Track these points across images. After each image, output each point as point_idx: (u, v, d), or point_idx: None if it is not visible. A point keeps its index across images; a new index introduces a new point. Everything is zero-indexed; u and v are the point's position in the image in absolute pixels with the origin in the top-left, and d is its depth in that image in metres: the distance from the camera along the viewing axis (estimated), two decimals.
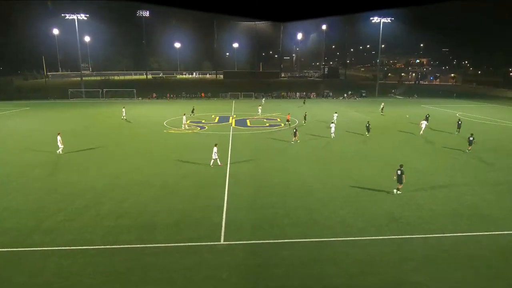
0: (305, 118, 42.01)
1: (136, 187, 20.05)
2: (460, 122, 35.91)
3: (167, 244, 13.76)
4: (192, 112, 47.17)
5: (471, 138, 27.78)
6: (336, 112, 42.10)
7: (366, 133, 35.09)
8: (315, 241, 14.05)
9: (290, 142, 31.12)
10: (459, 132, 35.11)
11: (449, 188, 19.77)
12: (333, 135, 33.36)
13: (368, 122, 35.76)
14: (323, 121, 42.41)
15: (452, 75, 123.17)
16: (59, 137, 26.92)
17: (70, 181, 21.02)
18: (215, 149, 23.51)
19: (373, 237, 14.31)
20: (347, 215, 16.32)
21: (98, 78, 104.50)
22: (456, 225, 15.31)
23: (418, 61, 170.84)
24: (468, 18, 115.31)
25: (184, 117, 39.03)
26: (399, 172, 18.59)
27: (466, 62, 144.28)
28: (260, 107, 50.95)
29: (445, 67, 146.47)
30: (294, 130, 31.79)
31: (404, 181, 18.55)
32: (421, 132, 35.19)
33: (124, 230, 14.87)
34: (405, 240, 14.13)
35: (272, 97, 75.98)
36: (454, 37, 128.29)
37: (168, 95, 72.88)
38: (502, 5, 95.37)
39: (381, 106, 51.95)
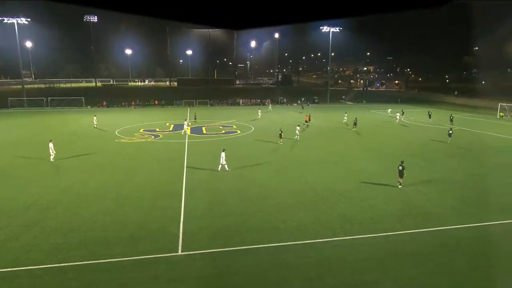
0: (309, 119, 45.84)
1: (86, 200, 19.01)
2: (452, 117, 45.32)
3: (121, 259, 13.16)
4: (195, 119, 49.40)
5: (450, 132, 34.81)
6: (346, 113, 49.51)
7: (353, 127, 41.61)
8: (274, 246, 14.17)
9: (277, 144, 33.31)
10: (452, 124, 42.95)
11: (398, 189, 20.90)
12: (297, 137, 35.10)
13: (356, 118, 43.45)
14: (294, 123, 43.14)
15: (396, 82, 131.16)
16: (51, 144, 26.24)
17: (9, 196, 19.43)
18: (223, 154, 23.68)
19: (329, 239, 14.74)
20: (304, 219, 16.67)
21: (42, 85, 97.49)
22: (404, 224, 16.22)
23: (365, 68, 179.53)
24: (408, 29, 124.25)
25: (185, 122, 41.18)
26: (400, 167, 20.74)
27: (408, 69, 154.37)
28: (260, 111, 55.22)
29: (389, 74, 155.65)
30: (280, 132, 33.67)
31: (405, 175, 20.82)
32: (397, 121, 48.06)
33: (73, 246, 14.00)
34: (359, 240, 14.70)
35: (228, 104, 76.13)
36: (396, 46, 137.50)
37: (133, 103, 70.89)
38: (439, 15, 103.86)
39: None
